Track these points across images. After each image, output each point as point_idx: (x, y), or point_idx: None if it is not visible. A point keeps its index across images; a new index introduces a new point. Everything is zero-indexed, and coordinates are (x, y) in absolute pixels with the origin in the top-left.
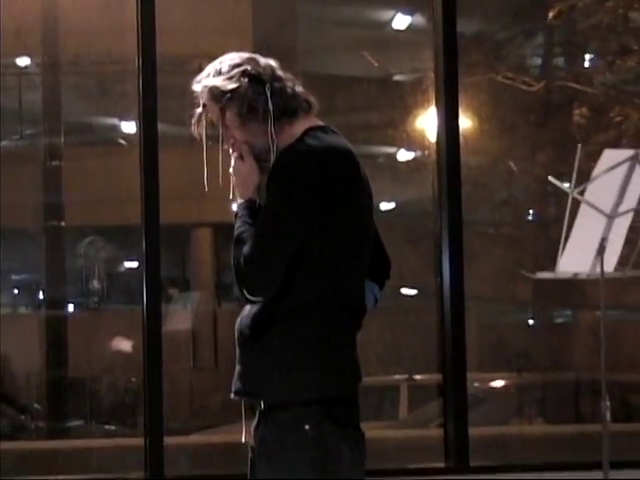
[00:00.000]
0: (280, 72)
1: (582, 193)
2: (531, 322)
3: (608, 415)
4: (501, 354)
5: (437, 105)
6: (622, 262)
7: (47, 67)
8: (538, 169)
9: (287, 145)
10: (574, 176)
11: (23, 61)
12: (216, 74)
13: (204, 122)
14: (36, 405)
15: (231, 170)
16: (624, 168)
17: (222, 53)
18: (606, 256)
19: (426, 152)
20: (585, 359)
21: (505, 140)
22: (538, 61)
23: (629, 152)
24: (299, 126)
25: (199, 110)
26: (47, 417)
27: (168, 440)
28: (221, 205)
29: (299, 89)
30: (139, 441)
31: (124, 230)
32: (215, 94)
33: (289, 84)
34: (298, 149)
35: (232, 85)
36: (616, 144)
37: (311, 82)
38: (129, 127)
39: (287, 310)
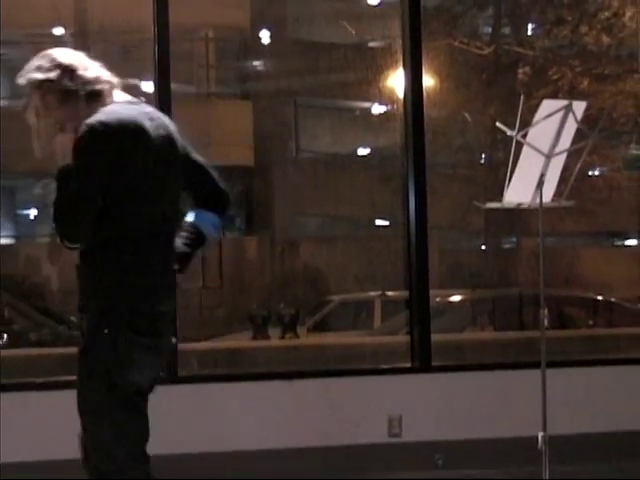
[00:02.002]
0: (86, 62)
1: (525, 137)
2: (483, 247)
3: (546, 323)
4: (458, 274)
5: (404, 66)
6: (557, 194)
7: (78, 36)
8: (488, 120)
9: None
10: (518, 122)
11: (58, 31)
12: (37, 69)
13: (32, 108)
14: (72, 317)
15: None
16: (560, 115)
17: (224, 23)
18: (544, 189)
19: (395, 106)
20: (527, 277)
21: (461, 95)
22: (488, 29)
23: (564, 102)
24: (105, 102)
25: (26, 99)
26: (80, 328)
27: (181, 346)
28: (225, 151)
29: (103, 73)
30: None
31: None
32: (36, 84)
33: (95, 70)
34: (88, 123)
35: (49, 75)
36: (554, 98)
37: (299, 47)
38: (147, 86)
39: (96, 245)
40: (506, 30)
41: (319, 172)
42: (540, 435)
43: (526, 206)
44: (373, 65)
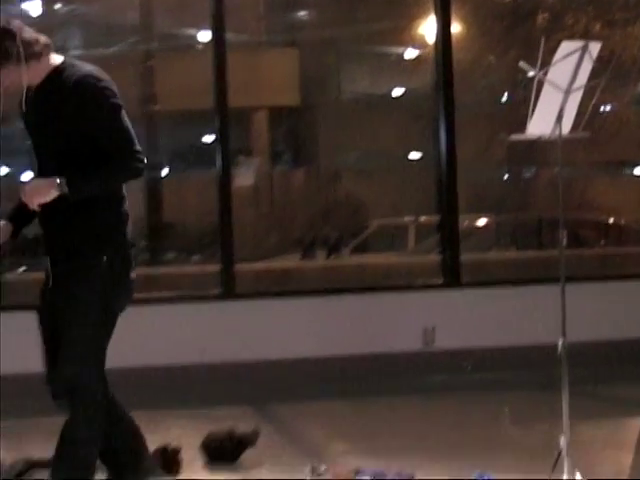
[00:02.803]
0: (26, 27)
1: (545, 75)
2: (506, 176)
3: (564, 242)
4: (483, 200)
5: (435, 14)
6: (575, 127)
7: None
8: (511, 62)
9: (75, 77)
10: (539, 62)
11: None
12: None
13: None
14: (142, 242)
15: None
16: (577, 55)
17: None
18: (563, 122)
19: (427, 50)
20: (545, 203)
21: (486, 40)
22: None
23: (580, 43)
24: (45, 63)
25: None
26: (150, 250)
27: (238, 266)
28: (274, 94)
29: (41, 37)
30: (217, 267)
31: (202, 113)
32: None
33: (33, 34)
34: (84, 74)
35: None
36: None
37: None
38: (204, 36)
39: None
40: None
41: (358, 111)
42: (560, 342)
43: (546, 137)
44: (406, 14)
